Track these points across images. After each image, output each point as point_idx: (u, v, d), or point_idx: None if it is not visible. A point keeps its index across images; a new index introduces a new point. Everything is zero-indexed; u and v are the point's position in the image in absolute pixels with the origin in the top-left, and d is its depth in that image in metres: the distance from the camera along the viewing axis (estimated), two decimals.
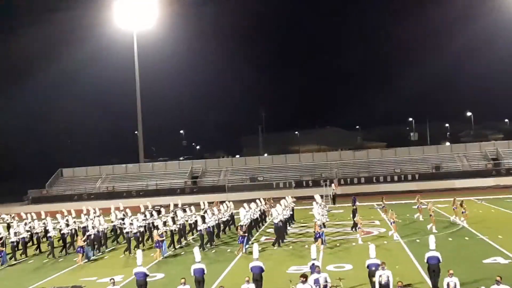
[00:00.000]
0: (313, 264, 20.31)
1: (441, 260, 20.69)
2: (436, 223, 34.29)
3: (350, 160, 76.29)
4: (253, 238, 34.70)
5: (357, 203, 38.78)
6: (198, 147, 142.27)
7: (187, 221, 36.60)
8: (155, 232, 31.47)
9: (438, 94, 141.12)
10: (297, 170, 74.81)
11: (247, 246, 30.71)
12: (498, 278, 16.92)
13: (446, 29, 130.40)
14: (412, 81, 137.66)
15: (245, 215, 34.60)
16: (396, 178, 69.33)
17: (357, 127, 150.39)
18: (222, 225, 37.24)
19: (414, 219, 38.72)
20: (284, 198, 40.23)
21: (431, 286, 20.67)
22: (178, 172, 77.95)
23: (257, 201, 40.84)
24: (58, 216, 38.69)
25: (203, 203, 42.26)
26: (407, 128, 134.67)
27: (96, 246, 33.58)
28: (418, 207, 39.37)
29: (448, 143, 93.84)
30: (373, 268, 19.76)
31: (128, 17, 74.93)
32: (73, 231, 36.33)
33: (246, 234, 31.40)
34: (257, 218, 38.35)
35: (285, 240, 33.13)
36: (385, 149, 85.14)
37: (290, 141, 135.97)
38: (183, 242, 34.77)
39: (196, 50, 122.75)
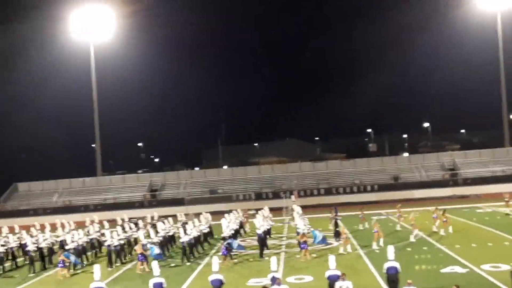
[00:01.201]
0: (273, 276, 20.20)
1: (399, 270, 20.77)
2: (395, 233, 34.56)
3: (310, 172, 76.53)
4: (213, 251, 34.41)
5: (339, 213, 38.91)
6: (156, 159, 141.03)
7: (167, 233, 36.14)
8: (139, 245, 30.83)
9: (396, 105, 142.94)
10: (257, 182, 74.72)
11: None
12: None
13: (404, 40, 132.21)
14: (371, 92, 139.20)
15: (228, 226, 34.50)
16: (355, 189, 69.74)
17: (317, 138, 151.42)
18: (202, 237, 36.75)
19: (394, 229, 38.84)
20: (261, 209, 40.12)
21: None
22: (136, 185, 77.07)
23: (234, 212, 40.73)
24: (33, 229, 37.83)
25: (180, 214, 42.14)
26: (366, 139, 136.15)
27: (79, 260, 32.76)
28: (398, 216, 39.55)
29: (406, 154, 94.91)
30: (334, 279, 19.75)
31: (85, 28, 74.08)
32: (51, 245, 35.35)
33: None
34: (237, 229, 38.27)
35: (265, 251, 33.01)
36: (344, 160, 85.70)
37: (249, 153, 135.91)
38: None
39: (154, 62, 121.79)
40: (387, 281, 21.23)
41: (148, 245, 31.53)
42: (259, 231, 32.94)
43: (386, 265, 20.97)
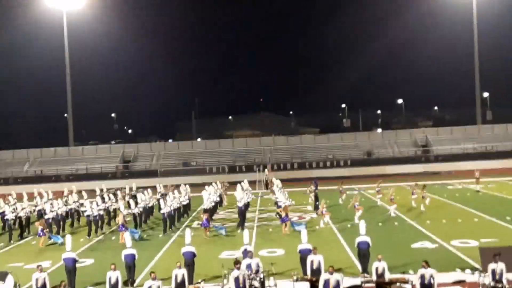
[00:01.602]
0: (245, 249, 20.25)
1: (370, 245, 20.94)
2: (370, 208, 34.82)
3: (284, 146, 76.67)
4: (185, 224, 34.40)
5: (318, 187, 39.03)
6: (130, 131, 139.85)
7: (147, 204, 35.99)
8: (120, 216, 30.58)
9: (371, 82, 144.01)
10: (231, 155, 74.68)
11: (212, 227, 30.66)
12: (424, 264, 17.22)
13: (380, 20, 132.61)
14: (346, 68, 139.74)
15: (208, 199, 34.47)
16: (328, 163, 70.10)
17: (291, 112, 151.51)
18: (182, 209, 36.69)
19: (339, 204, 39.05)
20: (241, 182, 40.07)
21: (360, 270, 20.90)
22: (109, 156, 76.50)
23: (214, 184, 40.67)
24: (10, 198, 37.36)
25: (159, 186, 42.12)
26: (340, 115, 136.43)
27: (55, 230, 32.65)
28: (377, 190, 39.70)
29: (379, 130, 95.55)
30: (305, 253, 19.83)
31: None
32: (29, 214, 35.00)
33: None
34: (217, 201, 38.36)
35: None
36: (318, 135, 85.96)
37: (223, 126, 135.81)
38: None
39: (128, 33, 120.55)
40: (358, 255, 21.43)
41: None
42: (240, 204, 32.90)
43: (358, 240, 21.14)
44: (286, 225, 30.17)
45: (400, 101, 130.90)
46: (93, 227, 32.33)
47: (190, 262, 20.67)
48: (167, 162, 73.98)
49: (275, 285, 18.12)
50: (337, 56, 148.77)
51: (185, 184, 41.03)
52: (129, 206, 34.69)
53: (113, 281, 18.59)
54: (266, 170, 58.81)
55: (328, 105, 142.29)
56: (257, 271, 18.60)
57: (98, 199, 34.91)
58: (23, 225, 33.60)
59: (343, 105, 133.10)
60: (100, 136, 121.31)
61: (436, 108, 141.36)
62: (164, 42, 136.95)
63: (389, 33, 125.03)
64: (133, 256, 21.24)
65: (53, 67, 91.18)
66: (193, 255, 20.92)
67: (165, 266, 22.44)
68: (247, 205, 35.19)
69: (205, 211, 32.68)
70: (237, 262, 17.75)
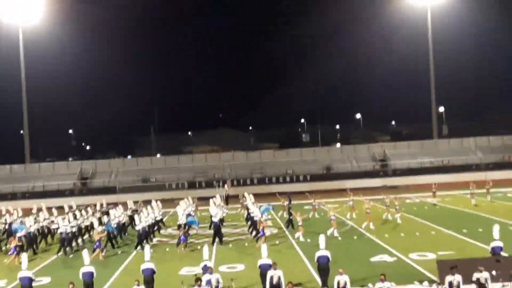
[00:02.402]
0: (205, 265, 20.16)
1: (330, 259, 21.06)
2: (328, 222, 34.98)
3: (243, 161, 76.63)
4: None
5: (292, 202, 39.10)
6: (88, 147, 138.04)
7: (121, 220, 35.77)
8: (95, 231, 30.18)
9: (329, 97, 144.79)
10: (190, 171, 74.28)
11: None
12: (382, 277, 17.37)
13: (336, 35, 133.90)
14: (305, 83, 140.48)
15: (183, 214, 34.24)
16: (288, 178, 70.34)
17: (250, 128, 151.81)
18: (156, 225, 36.51)
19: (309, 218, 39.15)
20: (213, 197, 39.97)
21: (320, 284, 20.97)
22: (66, 173, 75.23)
23: (185, 200, 40.54)
24: None
25: (130, 202, 41.83)
26: (299, 130, 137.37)
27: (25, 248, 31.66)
28: (351, 204, 39.94)
29: (338, 145, 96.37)
30: (265, 268, 19.82)
31: (13, 10, 71.53)
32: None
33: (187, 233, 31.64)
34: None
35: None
36: (277, 150, 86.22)
37: (183, 142, 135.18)
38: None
39: (85, 48, 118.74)
40: (318, 269, 21.50)
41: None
42: (215, 219, 32.81)
43: (318, 254, 21.23)
44: (262, 239, 29.98)
45: (358, 116, 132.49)
46: (65, 245, 31.68)
47: (149, 279, 20.47)
48: (126, 178, 73.19)
49: None
50: (295, 71, 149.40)
51: (156, 200, 40.71)
52: (101, 223, 34.21)
53: None
54: (226, 185, 58.70)
55: (287, 120, 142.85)
56: (217, 287, 18.54)
57: (70, 216, 34.36)
58: None
59: (302, 120, 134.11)
60: (57, 152, 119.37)
61: (393, 122, 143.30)
62: (122, 57, 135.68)
63: (346, 49, 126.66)
64: (91, 273, 20.90)
65: (9, 82, 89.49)
66: (153, 271, 20.73)
67: (124, 283, 22.15)
68: (221, 220, 35.03)
69: (180, 226, 32.59)
70: (197, 280, 17.65)
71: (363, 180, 66.86)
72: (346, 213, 39.46)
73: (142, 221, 32.30)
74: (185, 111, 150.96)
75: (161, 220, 38.38)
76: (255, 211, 33.84)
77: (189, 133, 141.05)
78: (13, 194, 68.95)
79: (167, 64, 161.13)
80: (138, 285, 18.49)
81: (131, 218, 37.51)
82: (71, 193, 68.67)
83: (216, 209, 34.01)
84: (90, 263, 21.33)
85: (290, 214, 36.65)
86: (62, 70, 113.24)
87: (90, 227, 35.46)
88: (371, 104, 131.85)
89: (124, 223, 36.70)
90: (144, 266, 20.84)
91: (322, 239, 21.71)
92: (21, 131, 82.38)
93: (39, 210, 39.58)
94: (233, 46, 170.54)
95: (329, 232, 31.70)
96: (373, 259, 25.88)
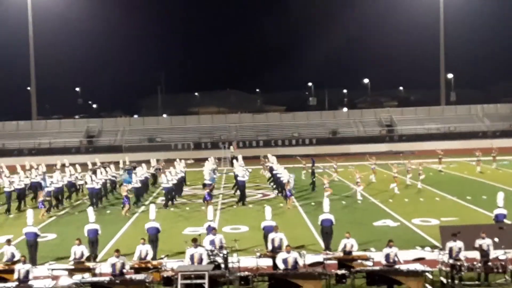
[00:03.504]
0: (209, 225, 20.25)
1: (333, 222, 21.15)
2: (333, 187, 35.14)
3: (249, 123, 76.65)
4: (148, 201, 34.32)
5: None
6: (94, 105, 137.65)
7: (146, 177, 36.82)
8: (123, 188, 30.73)
9: (337, 61, 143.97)
10: (196, 131, 74.35)
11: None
12: (391, 243, 17.37)
13: (347, 1, 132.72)
14: (313, 47, 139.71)
15: (209, 173, 34.95)
16: (294, 142, 70.34)
17: (257, 90, 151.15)
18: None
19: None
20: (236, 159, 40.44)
21: (323, 247, 21.09)
22: (73, 131, 75.48)
23: (210, 158, 41.16)
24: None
25: (153, 160, 42.84)
26: (306, 93, 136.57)
27: (55, 203, 32.49)
28: (373, 168, 40.24)
29: (345, 109, 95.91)
30: (269, 230, 19.91)
31: None
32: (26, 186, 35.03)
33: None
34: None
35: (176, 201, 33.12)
36: (284, 113, 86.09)
37: (189, 102, 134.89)
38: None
39: (94, 5, 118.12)
40: (321, 232, 21.61)
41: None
42: (243, 178, 32.96)
43: (321, 217, 21.32)
44: (291, 199, 30.42)
45: (366, 80, 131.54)
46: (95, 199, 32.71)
47: (154, 237, 20.61)
48: (132, 137, 73.38)
49: (238, 261, 18.11)
50: (304, 34, 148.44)
51: (180, 159, 41.74)
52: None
53: (78, 255, 18.48)
54: (231, 147, 58.71)
55: (295, 84, 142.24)
56: (220, 247, 18.64)
57: (102, 171, 35.80)
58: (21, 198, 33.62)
59: (310, 84, 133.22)
60: (64, 110, 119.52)
61: (401, 88, 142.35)
62: (130, 16, 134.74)
63: (356, 13, 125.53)
64: (96, 231, 21.08)
65: (16, 39, 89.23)
66: (157, 230, 20.86)
67: (129, 241, 22.33)
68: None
69: (205, 185, 32.98)
70: (194, 240, 17.73)
71: (369, 145, 66.74)
72: (369, 176, 39.41)
73: (168, 179, 32.79)
74: (193, 72, 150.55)
75: (184, 178, 39.10)
76: (283, 173, 33.67)
77: (196, 93, 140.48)
78: (19, 150, 69.29)
79: (177, 24, 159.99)
80: (143, 243, 18.61)
81: (154, 176, 39.33)
82: (77, 151, 68.90)
83: (242, 170, 34.24)
84: (95, 220, 21.47)
85: (313, 176, 36.62)
86: (70, 28, 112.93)
87: (116, 184, 37.57)
88: (379, 69, 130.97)
89: (147, 181, 37.51)
90: (148, 224, 20.95)
91: (326, 202, 21.80)
92: (28, 88, 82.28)
93: (63, 165, 40.43)
94: (241, 9, 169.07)
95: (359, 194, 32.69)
96: (376, 223, 25.98)
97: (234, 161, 37.72)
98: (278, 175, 34.76)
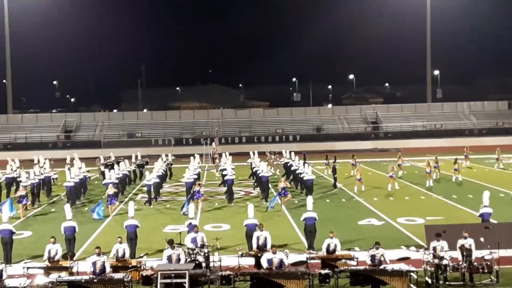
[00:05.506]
0: (190, 223, 19.75)
1: (317, 220, 20.69)
2: (319, 185, 34.73)
3: (232, 119, 75.94)
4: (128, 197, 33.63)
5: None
6: (72, 99, 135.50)
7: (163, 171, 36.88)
8: (110, 186, 29.74)
9: (323, 56, 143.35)
10: (177, 127, 73.58)
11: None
12: (377, 246, 17.03)
13: None
14: (297, 42, 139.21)
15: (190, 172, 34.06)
16: (277, 138, 69.72)
17: (240, 85, 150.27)
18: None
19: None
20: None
21: (306, 246, 20.62)
22: (50, 125, 74.30)
23: (196, 156, 40.54)
24: None
25: (166, 155, 42.45)
26: (291, 89, 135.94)
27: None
28: (400, 164, 40.64)
29: (330, 105, 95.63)
30: (251, 228, 19.48)
31: None
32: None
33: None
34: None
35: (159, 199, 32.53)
36: (267, 109, 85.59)
37: (170, 97, 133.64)
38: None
39: None
40: (304, 231, 21.14)
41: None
42: (265, 174, 32.39)
43: (305, 215, 20.92)
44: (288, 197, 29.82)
45: (351, 76, 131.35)
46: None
47: (132, 235, 20.06)
48: (111, 133, 72.39)
49: (220, 260, 17.74)
50: (289, 29, 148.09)
51: (166, 155, 42.18)
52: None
53: (52, 254, 17.84)
54: (213, 143, 57.85)
55: (279, 79, 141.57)
56: (202, 246, 18.17)
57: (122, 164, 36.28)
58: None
59: (294, 79, 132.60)
60: (41, 104, 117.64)
61: (387, 85, 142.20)
62: (111, 7, 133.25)
63: (342, 8, 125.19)
64: (73, 228, 20.43)
65: None
66: (136, 227, 20.23)
67: (107, 239, 21.69)
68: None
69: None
70: (170, 242, 17.22)
71: (354, 142, 66.11)
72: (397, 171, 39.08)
73: (189, 175, 32.24)
74: (174, 65, 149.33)
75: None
76: (265, 170, 32.85)
77: (177, 88, 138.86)
78: None
79: (157, 17, 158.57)
80: (120, 242, 17.99)
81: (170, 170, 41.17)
82: (54, 145, 67.80)
83: (262, 164, 34.27)
84: (72, 217, 20.81)
85: (335, 172, 36.02)
86: (48, 20, 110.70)
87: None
88: (364, 65, 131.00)
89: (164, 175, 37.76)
90: (127, 222, 20.38)
91: (309, 200, 21.45)
92: (4, 81, 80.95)
93: (72, 159, 40.48)
94: (225, 3, 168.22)
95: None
96: (360, 222, 25.53)
97: (224, 158, 37.41)
98: (258, 173, 33.99)
